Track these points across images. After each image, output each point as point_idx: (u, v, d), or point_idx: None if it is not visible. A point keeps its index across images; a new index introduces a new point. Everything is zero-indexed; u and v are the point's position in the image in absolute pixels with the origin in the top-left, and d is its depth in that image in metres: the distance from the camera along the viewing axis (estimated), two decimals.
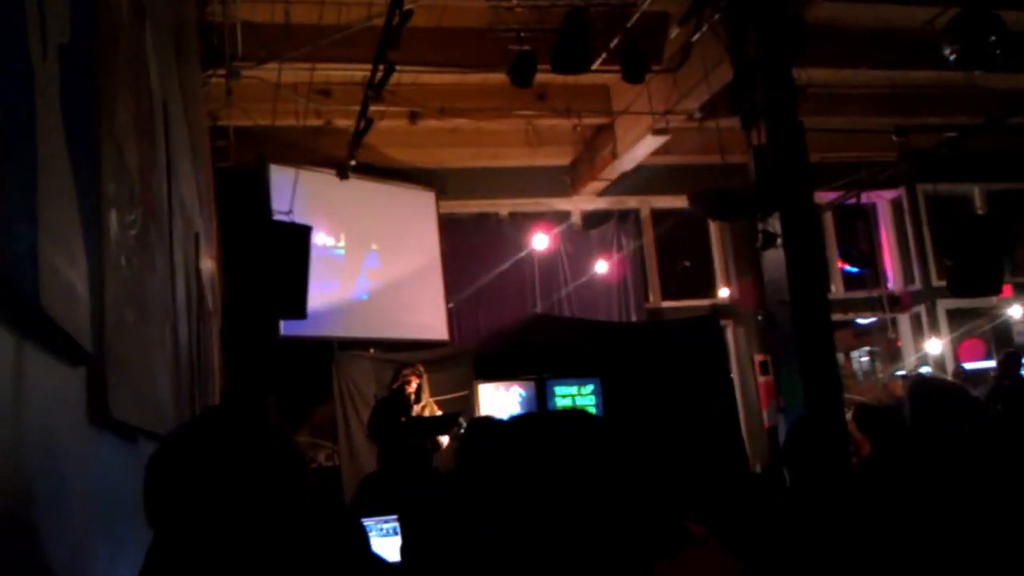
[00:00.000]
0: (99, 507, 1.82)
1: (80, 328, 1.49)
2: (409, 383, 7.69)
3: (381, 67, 7.22)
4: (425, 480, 4.82)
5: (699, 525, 1.50)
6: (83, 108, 1.67)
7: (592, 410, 8.16)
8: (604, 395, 8.31)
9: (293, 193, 9.61)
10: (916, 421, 3.52)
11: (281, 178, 10.06)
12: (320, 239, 9.89)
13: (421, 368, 7.98)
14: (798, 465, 3.52)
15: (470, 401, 8.20)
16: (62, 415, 1.54)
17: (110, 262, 1.79)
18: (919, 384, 3.65)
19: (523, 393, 8.21)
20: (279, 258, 8.20)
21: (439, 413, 7.86)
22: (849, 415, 9.77)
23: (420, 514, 1.52)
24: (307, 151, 10.35)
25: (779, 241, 7.93)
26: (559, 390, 8.25)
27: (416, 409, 7.73)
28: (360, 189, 10.63)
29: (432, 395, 8.30)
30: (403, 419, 7.52)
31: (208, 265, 6.75)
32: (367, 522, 4.78)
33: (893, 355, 13.45)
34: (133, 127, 2.27)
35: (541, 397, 8.14)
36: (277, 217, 9.43)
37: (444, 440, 7.50)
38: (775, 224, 7.99)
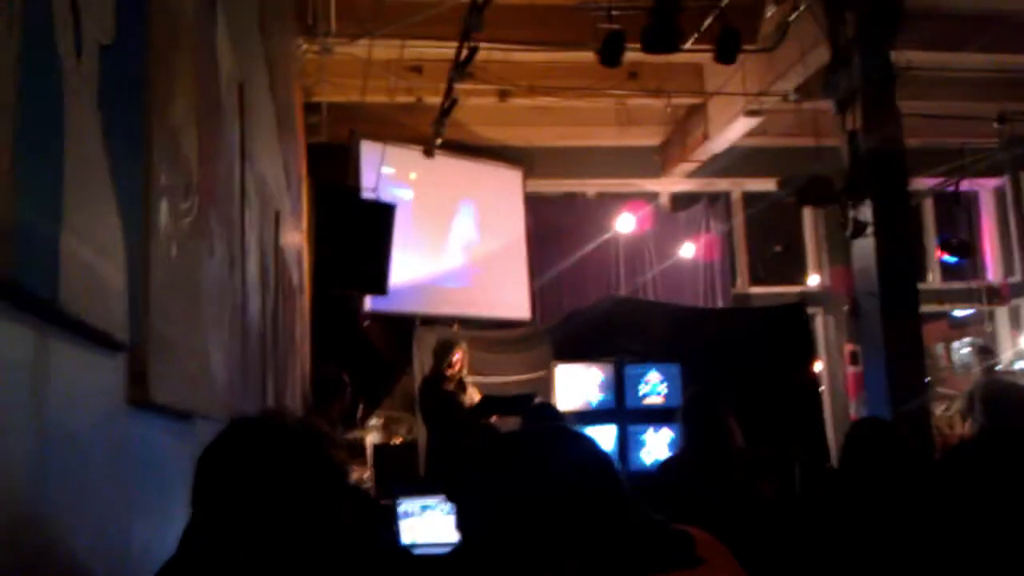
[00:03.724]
0: (142, 485, 1.89)
1: (114, 320, 1.55)
2: (454, 364, 6.92)
3: (466, 47, 7.23)
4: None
5: (713, 539, 1.48)
6: (129, 103, 1.72)
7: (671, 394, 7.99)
8: (684, 381, 8.10)
9: (380, 170, 9.73)
10: (987, 424, 3.41)
11: (372, 155, 10.19)
12: (406, 215, 9.98)
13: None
14: (855, 469, 3.43)
15: (548, 382, 8.14)
16: (98, 401, 1.60)
17: (157, 251, 1.85)
18: (991, 388, 3.52)
19: (602, 377, 8.08)
20: (363, 235, 8.33)
21: (476, 397, 7.13)
22: (940, 409, 9.43)
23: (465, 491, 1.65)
24: (399, 127, 10.45)
25: (870, 230, 7.71)
26: (636, 374, 8.10)
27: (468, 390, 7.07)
28: (448, 166, 10.70)
29: (511, 375, 8.28)
30: (478, 397, 7.19)
31: (294, 240, 6.87)
32: (431, 500, 4.86)
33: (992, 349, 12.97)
34: (194, 116, 2.33)
35: (619, 380, 8.02)
36: (365, 194, 9.56)
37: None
38: (867, 211, 7.78)
